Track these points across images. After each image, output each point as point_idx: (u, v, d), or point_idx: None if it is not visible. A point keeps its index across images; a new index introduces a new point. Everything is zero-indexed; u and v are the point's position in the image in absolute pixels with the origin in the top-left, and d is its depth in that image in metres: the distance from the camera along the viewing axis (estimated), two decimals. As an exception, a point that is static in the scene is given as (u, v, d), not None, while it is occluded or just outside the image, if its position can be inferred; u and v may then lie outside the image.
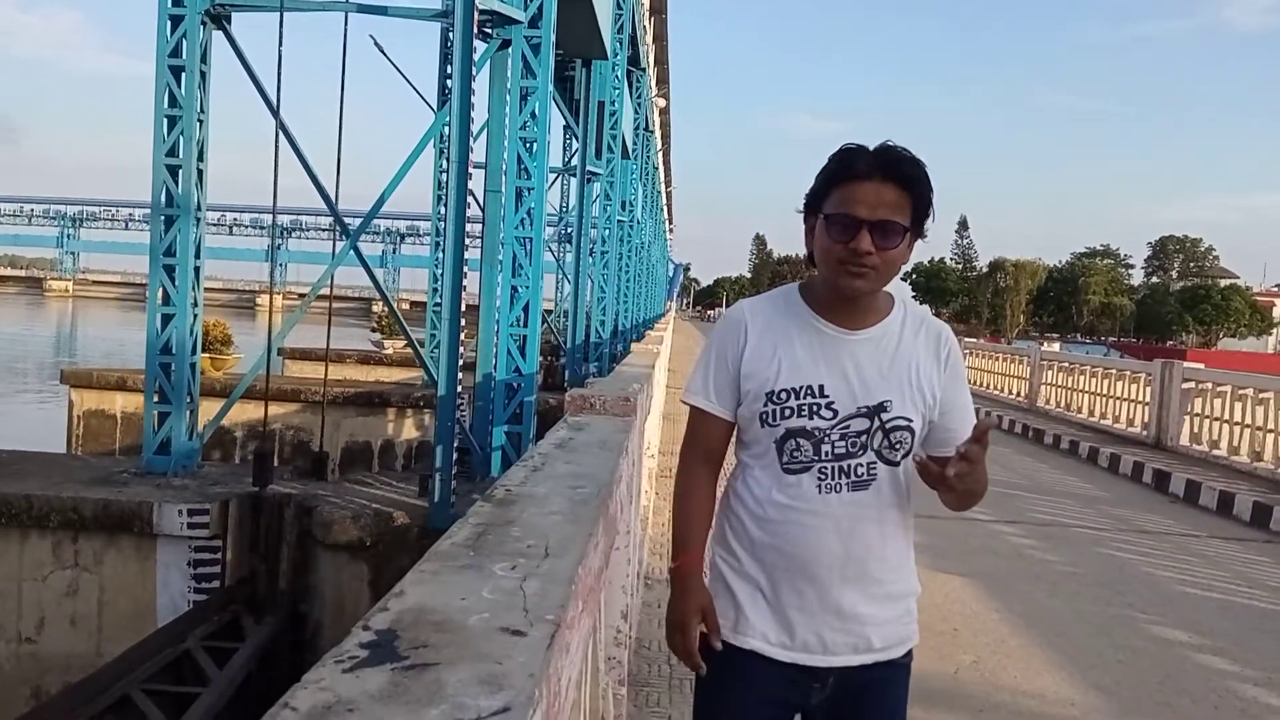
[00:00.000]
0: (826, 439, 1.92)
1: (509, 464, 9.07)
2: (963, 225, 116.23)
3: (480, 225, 10.09)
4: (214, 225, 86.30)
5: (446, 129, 9.53)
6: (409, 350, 13.99)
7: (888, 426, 1.93)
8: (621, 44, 19.29)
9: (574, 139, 22.13)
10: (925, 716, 4.18)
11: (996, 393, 21.46)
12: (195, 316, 9.15)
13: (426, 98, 13.34)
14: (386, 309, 14.28)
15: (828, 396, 1.92)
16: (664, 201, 56.44)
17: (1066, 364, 18.86)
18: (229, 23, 9.08)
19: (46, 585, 7.89)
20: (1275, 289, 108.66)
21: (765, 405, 1.95)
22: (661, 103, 33.84)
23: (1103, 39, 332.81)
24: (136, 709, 6.66)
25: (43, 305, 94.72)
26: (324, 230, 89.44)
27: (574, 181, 20.50)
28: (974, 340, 30.23)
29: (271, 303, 15.29)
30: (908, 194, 1.86)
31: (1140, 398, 15.19)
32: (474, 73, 8.71)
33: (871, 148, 1.89)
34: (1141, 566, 7.58)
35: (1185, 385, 13.92)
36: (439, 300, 12.10)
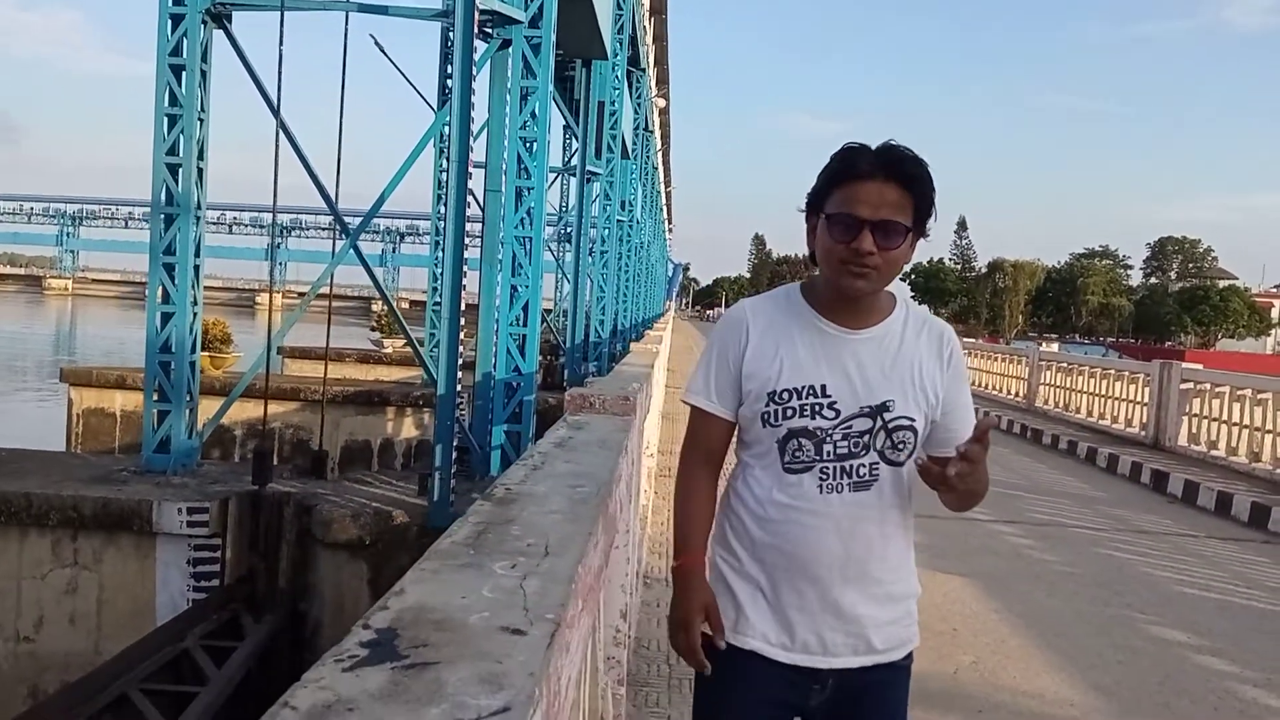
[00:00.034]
0: (828, 439, 1.92)
1: (508, 463, 9.07)
2: (962, 225, 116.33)
3: (480, 224, 10.09)
4: (214, 224, 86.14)
5: (447, 128, 9.54)
6: (408, 349, 14.00)
7: (890, 426, 1.92)
8: (621, 44, 19.30)
9: (574, 139, 22.14)
10: (925, 717, 4.18)
11: (995, 393, 21.46)
12: (195, 315, 9.15)
13: (427, 97, 13.35)
14: (386, 308, 14.28)
15: (830, 396, 1.92)
16: (663, 201, 56.45)
17: (1065, 364, 18.86)
18: (229, 22, 9.08)
19: (45, 583, 7.89)
20: (1274, 290, 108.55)
21: (767, 405, 1.94)
22: (661, 103, 33.84)
23: (1103, 39, 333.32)
24: (135, 708, 6.65)
25: (42, 303, 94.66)
26: (324, 229, 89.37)
27: (574, 181, 20.50)
28: (972, 340, 30.27)
29: (271, 301, 15.27)
30: (910, 194, 1.85)
31: (1139, 398, 15.19)
32: (474, 72, 8.71)
33: (873, 147, 1.87)
34: (1140, 566, 7.58)
35: (1184, 386, 13.92)
36: (438, 299, 12.10)
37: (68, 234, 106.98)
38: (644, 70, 25.86)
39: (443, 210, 10.84)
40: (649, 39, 26.47)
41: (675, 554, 2.09)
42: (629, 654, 3.94)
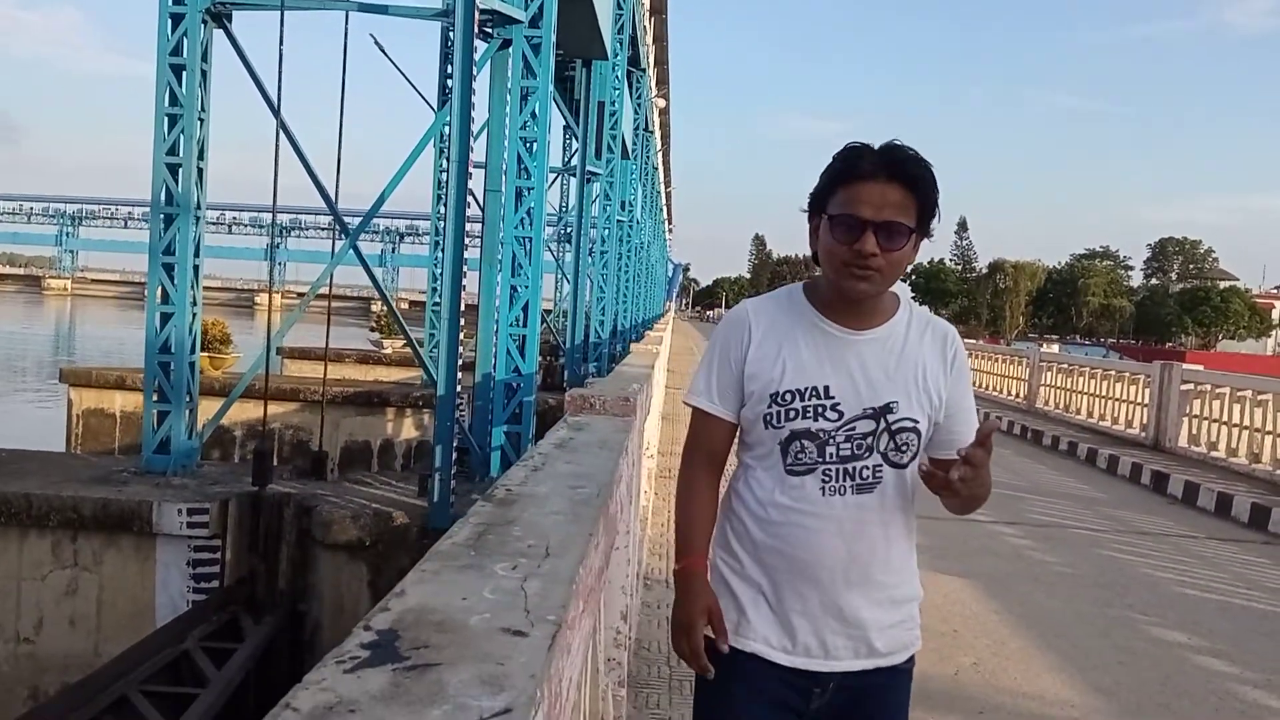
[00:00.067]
0: (831, 440, 1.90)
1: (508, 464, 9.07)
2: (962, 226, 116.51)
3: (480, 225, 10.09)
4: (213, 224, 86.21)
5: (447, 128, 9.53)
6: (408, 350, 13.99)
7: (894, 428, 1.91)
8: (622, 44, 19.31)
9: (574, 139, 22.15)
10: (926, 718, 4.18)
11: (996, 394, 21.46)
12: (194, 315, 9.14)
13: (427, 97, 13.35)
14: (386, 308, 14.28)
15: (833, 398, 1.90)
16: (663, 202, 56.47)
17: (1065, 365, 18.86)
18: (230, 21, 9.07)
19: (45, 585, 7.88)
20: (1274, 291, 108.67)
21: (769, 407, 1.93)
22: (661, 103, 33.85)
23: (1103, 40, 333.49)
24: (135, 710, 6.64)
25: (41, 304, 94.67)
26: (323, 229, 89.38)
27: (574, 181, 20.51)
28: (973, 341, 30.27)
29: (271, 302, 15.28)
30: (913, 194, 1.83)
31: (1139, 399, 15.19)
32: (474, 72, 8.70)
33: (876, 146, 1.86)
34: (1140, 568, 7.58)
35: (1184, 387, 13.92)
36: (438, 300, 12.10)
37: (67, 234, 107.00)
38: (644, 70, 25.86)
39: (442, 210, 10.83)
40: (649, 39, 26.48)
41: (677, 556, 2.08)
42: (630, 655, 3.94)
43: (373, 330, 23.34)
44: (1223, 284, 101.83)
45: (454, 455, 8.47)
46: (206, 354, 13.20)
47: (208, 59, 9.00)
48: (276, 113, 8.71)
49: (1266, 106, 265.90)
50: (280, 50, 8.75)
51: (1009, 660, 5.20)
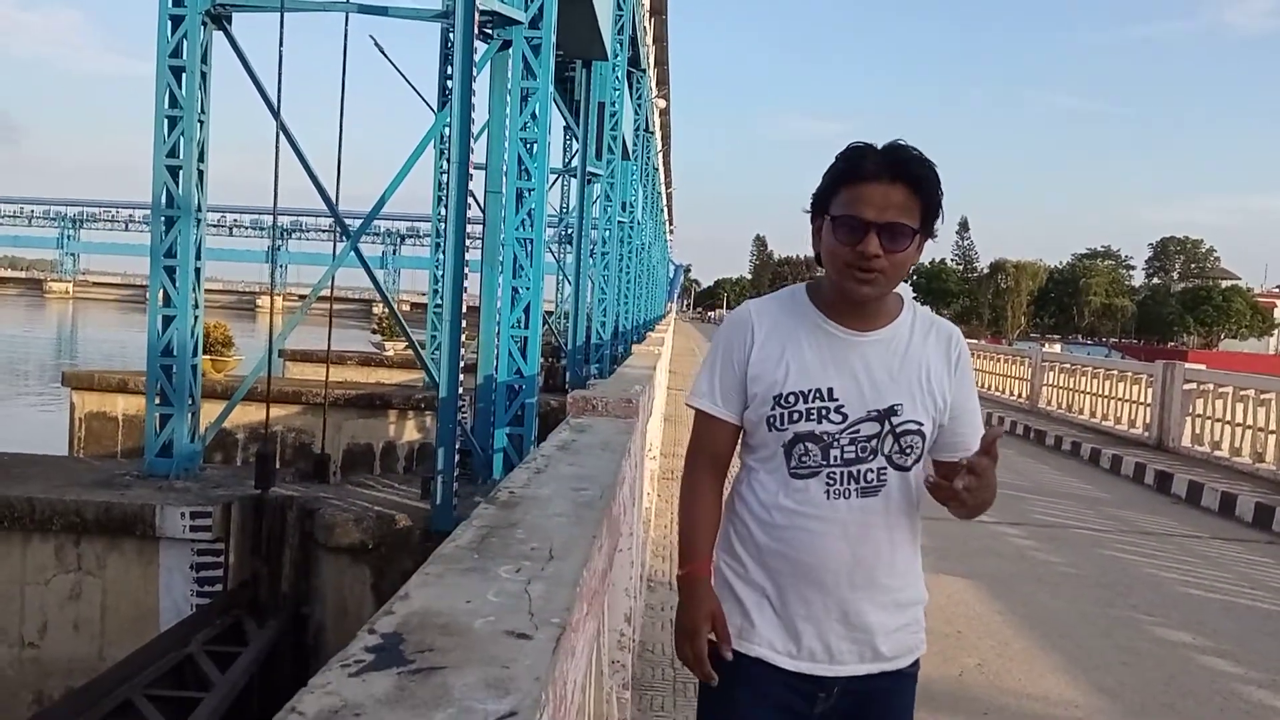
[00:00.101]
0: (835, 443, 1.89)
1: (511, 466, 9.07)
2: (963, 226, 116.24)
3: (481, 226, 10.09)
4: (214, 226, 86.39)
5: (447, 130, 9.54)
6: (410, 352, 14.00)
7: (898, 430, 1.89)
8: (622, 45, 19.31)
9: (574, 140, 22.15)
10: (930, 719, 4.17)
11: (998, 394, 21.44)
12: (196, 318, 9.14)
13: (427, 98, 13.36)
14: (387, 310, 14.29)
15: (837, 400, 1.89)
16: (664, 203, 56.48)
17: (1068, 365, 18.84)
18: (229, 23, 9.08)
19: (49, 589, 7.89)
20: (1276, 290, 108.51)
21: (773, 409, 1.91)
22: (661, 104, 33.87)
23: (1103, 41, 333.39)
24: (139, 714, 6.65)
25: (43, 307, 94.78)
26: (324, 231, 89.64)
27: (574, 182, 20.53)
28: (975, 341, 30.22)
29: (272, 304, 15.32)
30: (917, 195, 1.81)
31: (1142, 399, 15.18)
32: (474, 73, 8.71)
33: (879, 146, 1.84)
34: (1144, 568, 7.57)
35: (1187, 386, 13.91)
36: (439, 302, 12.11)
37: (68, 237, 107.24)
38: (644, 71, 25.88)
39: (443, 212, 10.83)
40: (649, 40, 26.49)
41: (680, 562, 2.06)
42: (634, 658, 3.94)
43: (374, 332, 23.35)
44: (1224, 283, 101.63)
45: (456, 457, 8.47)
46: (208, 357, 13.22)
47: (207, 61, 9.00)
48: (277, 114, 8.72)
49: (1267, 107, 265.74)
50: (280, 52, 8.76)
51: (1013, 661, 5.20)
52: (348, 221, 10.48)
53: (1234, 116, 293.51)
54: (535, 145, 10.22)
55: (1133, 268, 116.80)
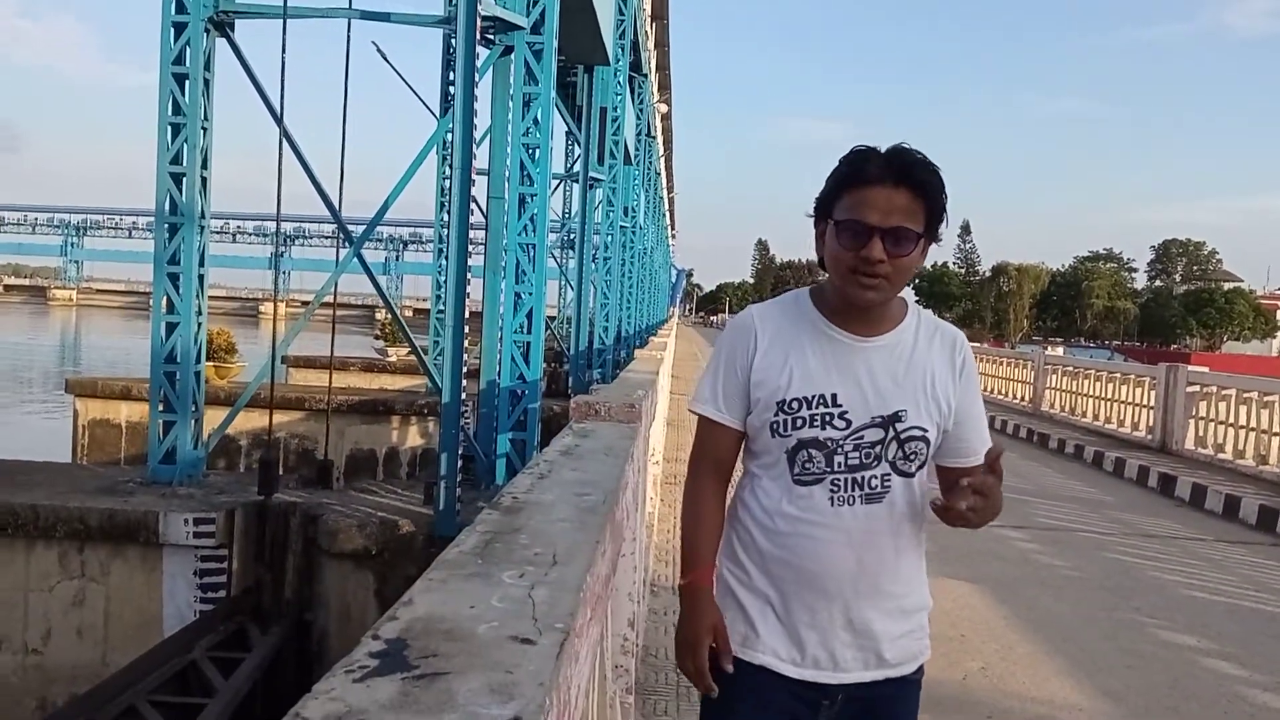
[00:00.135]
0: (839, 450, 1.87)
1: (514, 471, 9.07)
2: (965, 229, 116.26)
3: (483, 232, 10.10)
4: (217, 233, 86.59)
5: (449, 135, 9.55)
6: (413, 357, 14.02)
7: (903, 437, 1.88)
8: (623, 50, 19.32)
9: (576, 145, 22.20)
10: (933, 723, 4.17)
11: (1001, 397, 21.42)
12: (200, 325, 9.14)
13: (429, 104, 13.40)
14: (390, 316, 14.30)
15: (841, 406, 1.87)
16: (666, 207, 56.49)
17: (1071, 368, 18.83)
18: (232, 30, 9.09)
19: (53, 596, 7.89)
20: (1278, 292, 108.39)
21: (776, 415, 1.90)
22: (663, 108, 33.90)
23: (1103, 43, 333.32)
24: None
25: (47, 314, 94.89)
26: (327, 238, 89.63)
27: (576, 187, 20.56)
28: (977, 344, 30.22)
29: (275, 310, 15.33)
30: (921, 199, 1.79)
31: (1145, 402, 15.16)
32: (476, 79, 8.72)
33: (883, 150, 1.82)
34: (1148, 571, 7.56)
35: (1190, 389, 13.90)
36: (442, 307, 12.12)
37: (72, 244, 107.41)
38: (646, 76, 25.89)
39: (446, 218, 10.85)
40: (651, 44, 26.53)
41: (683, 570, 2.04)
42: (637, 662, 3.93)
43: (377, 338, 23.34)
44: (1227, 285, 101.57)
45: (459, 463, 8.47)
46: (212, 363, 13.22)
47: (210, 68, 9.00)
48: (280, 121, 8.73)
49: (1267, 108, 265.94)
50: (283, 58, 8.77)
51: (1017, 664, 5.19)
52: (351, 227, 10.49)
53: (1235, 117, 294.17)
54: (537, 150, 10.23)
55: (1135, 270, 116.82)
